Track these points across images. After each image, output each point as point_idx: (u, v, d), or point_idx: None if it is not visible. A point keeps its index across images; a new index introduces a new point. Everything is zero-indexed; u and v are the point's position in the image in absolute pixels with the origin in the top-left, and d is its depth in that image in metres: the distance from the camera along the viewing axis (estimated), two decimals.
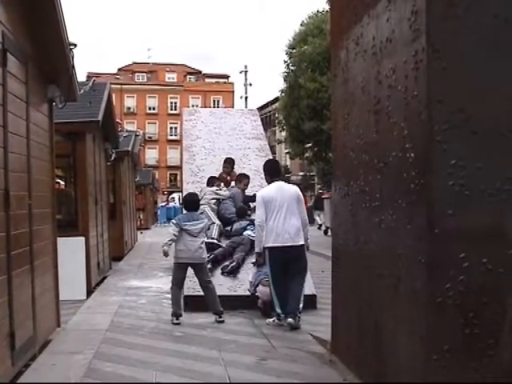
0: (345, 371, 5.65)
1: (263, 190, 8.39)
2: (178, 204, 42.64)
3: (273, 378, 5.64)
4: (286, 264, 7.91)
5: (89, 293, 10.71)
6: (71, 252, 9.76)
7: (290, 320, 7.64)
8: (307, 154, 33.79)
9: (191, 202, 8.76)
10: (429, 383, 3.99)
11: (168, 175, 78.56)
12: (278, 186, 8.19)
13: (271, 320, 7.96)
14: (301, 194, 8.29)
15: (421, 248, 4.05)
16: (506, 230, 3.93)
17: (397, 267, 4.41)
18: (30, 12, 6.37)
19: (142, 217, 32.26)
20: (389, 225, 4.60)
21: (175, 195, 52.27)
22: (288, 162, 60.86)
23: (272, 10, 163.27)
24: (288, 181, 10.56)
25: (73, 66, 7.64)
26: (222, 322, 8.13)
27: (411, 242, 4.19)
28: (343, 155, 5.98)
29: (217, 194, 10.69)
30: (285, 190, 8.12)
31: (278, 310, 7.89)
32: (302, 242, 7.98)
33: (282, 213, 7.90)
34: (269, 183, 8.41)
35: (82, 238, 10.82)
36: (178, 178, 64.70)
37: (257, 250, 8.26)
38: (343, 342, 5.99)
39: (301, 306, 7.84)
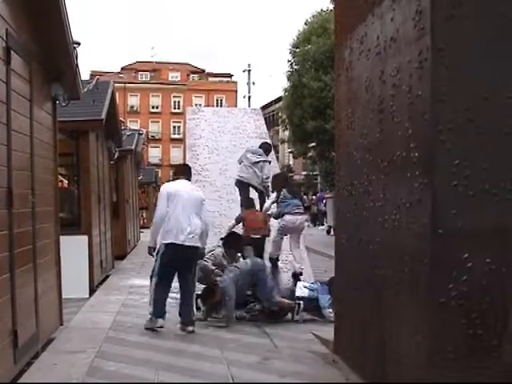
0: (347, 371, 5.63)
1: (168, 184, 8.24)
2: None
3: (275, 378, 5.63)
4: (178, 265, 7.61)
5: (91, 291, 10.71)
6: (74, 250, 9.75)
7: (190, 329, 7.50)
8: (310, 154, 33.83)
9: None
10: (430, 383, 3.98)
11: (171, 174, 78.48)
12: (184, 183, 7.92)
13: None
14: (204, 197, 8.04)
15: (424, 248, 4.04)
16: (510, 230, 3.91)
17: (400, 267, 4.39)
18: (34, 10, 6.36)
19: (145, 215, 32.25)
20: (392, 224, 4.58)
21: None
22: (291, 162, 60.85)
23: (276, 8, 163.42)
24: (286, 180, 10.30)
25: (76, 65, 7.64)
26: None
27: (414, 241, 4.18)
28: (347, 155, 5.97)
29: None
30: (192, 189, 7.90)
31: (151, 309, 7.69)
32: (200, 245, 7.77)
33: (188, 210, 7.56)
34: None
35: (85, 237, 10.83)
36: None
37: (150, 244, 7.88)
38: (346, 341, 5.98)
39: (195, 310, 7.85)
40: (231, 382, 5.51)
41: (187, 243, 7.48)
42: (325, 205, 27.96)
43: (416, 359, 4.16)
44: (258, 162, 10.52)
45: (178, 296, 9.57)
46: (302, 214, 9.31)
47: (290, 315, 8.27)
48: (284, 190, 9.33)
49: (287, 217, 9.14)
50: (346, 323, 6.00)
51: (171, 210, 7.53)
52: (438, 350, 3.90)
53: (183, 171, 8.22)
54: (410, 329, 4.24)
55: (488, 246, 3.91)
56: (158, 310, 7.65)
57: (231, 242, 8.94)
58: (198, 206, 7.69)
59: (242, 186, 10.59)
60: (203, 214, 7.78)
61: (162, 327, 7.59)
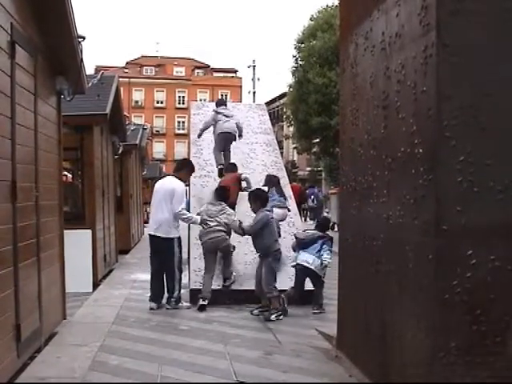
0: (350, 367, 5.63)
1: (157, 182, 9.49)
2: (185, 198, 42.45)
3: (278, 373, 5.63)
4: (155, 252, 8.83)
5: (95, 285, 10.72)
6: (78, 245, 9.76)
7: (167, 306, 8.70)
8: (315, 149, 33.79)
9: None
10: (432, 383, 3.98)
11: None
12: (165, 180, 9.14)
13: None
14: (178, 188, 8.68)
15: (428, 244, 4.03)
16: None
17: (404, 263, 4.39)
18: (39, 4, 6.36)
19: (148, 210, 32.25)
20: (396, 221, 4.58)
21: None
22: (295, 157, 60.82)
23: (281, 4, 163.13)
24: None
25: (81, 59, 7.63)
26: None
27: (419, 238, 4.17)
28: (351, 150, 5.96)
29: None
30: (165, 185, 8.89)
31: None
32: (166, 236, 8.61)
33: (159, 204, 8.71)
34: None
35: (89, 231, 10.83)
36: None
37: None
38: (349, 337, 5.98)
39: (175, 293, 8.64)
40: (234, 376, 5.51)
41: (155, 233, 8.69)
42: (313, 201, 28.09)
43: (419, 355, 4.15)
44: (232, 115, 12.13)
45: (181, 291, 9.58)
46: (285, 208, 10.41)
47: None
48: (273, 188, 10.35)
49: (275, 210, 9.83)
50: (349, 319, 6.00)
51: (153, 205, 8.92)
52: (441, 347, 3.89)
53: (176, 167, 9.28)
54: (414, 325, 4.23)
55: (492, 242, 3.90)
56: (151, 293, 8.79)
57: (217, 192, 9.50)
58: (166, 200, 8.63)
59: (226, 139, 11.89)
60: (172, 203, 8.56)
61: (152, 309, 8.59)
